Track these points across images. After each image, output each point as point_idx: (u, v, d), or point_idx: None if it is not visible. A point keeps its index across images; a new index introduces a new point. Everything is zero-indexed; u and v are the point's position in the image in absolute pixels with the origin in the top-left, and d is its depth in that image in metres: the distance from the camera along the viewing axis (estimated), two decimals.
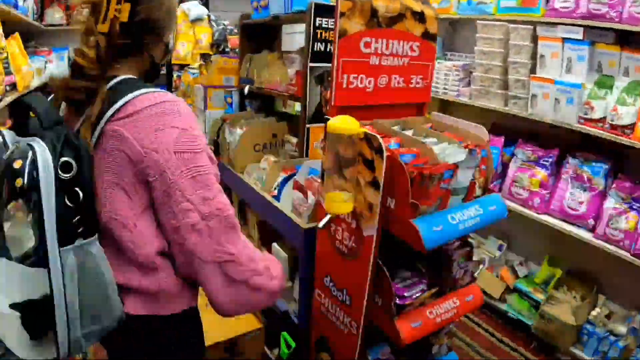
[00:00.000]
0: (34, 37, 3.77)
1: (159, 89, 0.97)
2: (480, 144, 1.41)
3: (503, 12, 2.64)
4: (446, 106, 3.19)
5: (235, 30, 3.77)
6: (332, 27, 1.87)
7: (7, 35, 2.89)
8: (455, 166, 1.27)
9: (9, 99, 2.46)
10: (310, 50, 1.83)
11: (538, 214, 2.49)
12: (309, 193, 1.59)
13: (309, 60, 1.84)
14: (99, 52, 0.95)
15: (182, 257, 0.97)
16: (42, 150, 0.82)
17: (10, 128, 0.96)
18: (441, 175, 1.24)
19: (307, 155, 1.98)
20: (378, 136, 1.20)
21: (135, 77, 1.01)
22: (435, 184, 1.24)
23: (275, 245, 1.85)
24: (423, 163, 1.26)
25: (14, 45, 2.81)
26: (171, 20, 1.06)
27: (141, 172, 0.91)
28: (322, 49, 1.87)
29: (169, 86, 3.69)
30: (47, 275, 0.82)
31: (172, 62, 3.79)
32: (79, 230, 0.86)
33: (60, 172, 0.83)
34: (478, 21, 2.75)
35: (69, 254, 0.84)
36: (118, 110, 0.91)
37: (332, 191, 1.31)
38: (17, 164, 0.81)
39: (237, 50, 3.68)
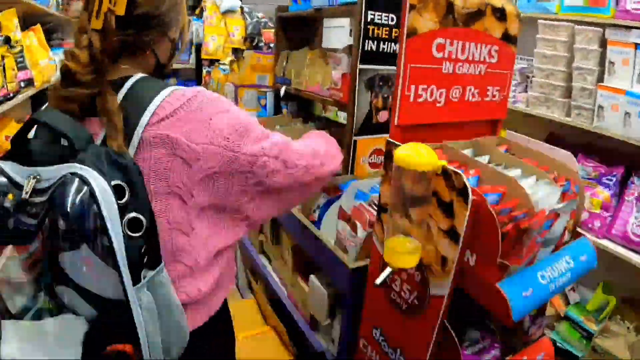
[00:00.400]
0: (59, 29, 3.60)
1: (178, 86, 0.89)
2: (572, 178, 1.11)
3: (567, 12, 2.34)
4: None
5: (270, 24, 3.50)
6: (386, 22, 1.58)
7: (28, 27, 2.71)
8: (556, 215, 0.97)
9: (22, 95, 2.27)
10: (360, 50, 1.54)
11: (598, 238, 2.19)
12: (358, 226, 1.30)
13: (358, 62, 1.55)
14: (93, 53, 0.83)
15: (260, 204, 0.98)
16: (96, 180, 0.72)
17: (3, 157, 0.81)
18: (540, 228, 0.94)
19: (352, 172, 1.69)
20: (462, 174, 0.90)
21: (146, 75, 0.91)
22: (531, 239, 0.95)
23: (313, 278, 1.58)
24: (513, 208, 0.96)
25: (32, 37, 2.62)
26: (178, 13, 0.96)
27: (199, 170, 0.85)
28: (374, 48, 1.57)
29: (198, 82, 3.45)
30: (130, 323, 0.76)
31: (202, 56, 3.56)
32: (145, 261, 0.78)
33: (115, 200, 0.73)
34: (539, 20, 2.45)
35: (143, 293, 0.78)
36: (153, 114, 0.82)
37: (394, 236, 1.02)
38: (70, 205, 0.70)
39: (271, 45, 3.41)
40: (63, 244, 0.77)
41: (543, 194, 1.03)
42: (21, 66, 2.37)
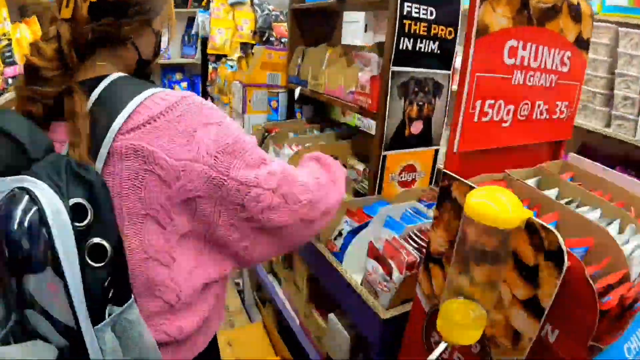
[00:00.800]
0: None
1: (162, 88, 0.76)
2: None
3: (610, 12, 2.13)
4: None
5: (282, 17, 3.25)
6: (425, 16, 1.32)
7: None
8: None
9: (8, 94, 2.04)
10: (394, 49, 1.29)
11: None
12: (394, 268, 1.06)
13: (391, 62, 1.30)
14: (60, 46, 0.72)
15: (254, 243, 0.84)
16: (47, 197, 0.61)
17: None
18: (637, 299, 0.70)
19: (379, 191, 1.45)
20: (556, 233, 0.65)
21: (124, 74, 0.79)
22: (628, 313, 0.71)
23: (333, 318, 1.34)
24: (604, 269, 0.72)
25: (25, 30, 2.39)
26: (163, 1, 0.84)
27: (179, 192, 0.72)
28: (410, 47, 1.32)
29: (203, 79, 3.21)
30: None
31: (208, 51, 3.31)
32: (110, 296, 0.67)
33: (72, 221, 0.62)
34: None
35: (106, 332, 0.66)
36: (126, 119, 0.70)
37: (452, 299, 0.77)
38: (14, 228, 0.60)
39: (283, 40, 3.15)
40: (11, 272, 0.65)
41: (633, 246, 0.79)
42: (9, 61, 2.15)
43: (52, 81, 0.73)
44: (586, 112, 2.30)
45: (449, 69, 1.44)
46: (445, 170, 0.81)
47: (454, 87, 0.97)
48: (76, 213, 0.63)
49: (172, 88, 4.46)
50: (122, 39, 0.79)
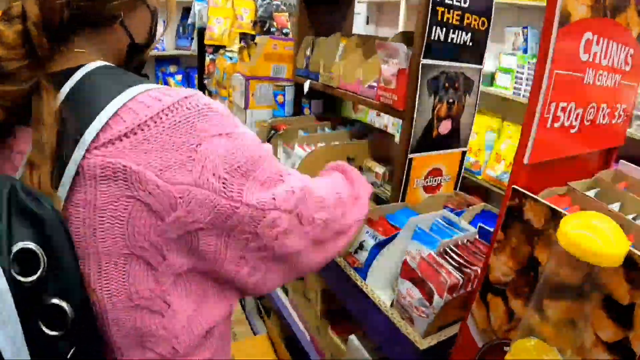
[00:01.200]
0: None
1: (157, 85, 0.59)
2: None
3: None
4: None
5: (283, 7, 3.08)
6: (458, 4, 1.18)
7: None
8: None
9: None
10: (425, 39, 1.14)
11: None
12: (435, 292, 0.92)
13: (422, 55, 1.15)
14: (27, 28, 0.56)
15: (265, 275, 0.69)
16: None
17: None
18: None
19: (403, 198, 1.31)
20: None
21: (106, 63, 0.62)
22: None
23: (354, 340, 1.21)
24: None
25: None
26: None
27: (174, 225, 0.55)
28: (442, 37, 1.18)
29: (200, 71, 3.04)
30: None
31: (205, 42, 3.14)
32: None
33: (17, 275, 0.45)
34: None
35: None
36: (103, 127, 0.52)
37: (522, 339, 0.64)
38: None
39: (284, 31, 3.00)
40: None
41: None
42: None
43: (16, 76, 0.56)
44: None
45: (480, 63, 1.30)
46: (516, 187, 0.67)
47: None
48: (22, 263, 0.47)
49: (167, 83, 4.27)
50: (108, 18, 0.63)
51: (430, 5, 1.12)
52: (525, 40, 2.58)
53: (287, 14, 3.07)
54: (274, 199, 0.63)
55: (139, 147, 0.52)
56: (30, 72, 0.56)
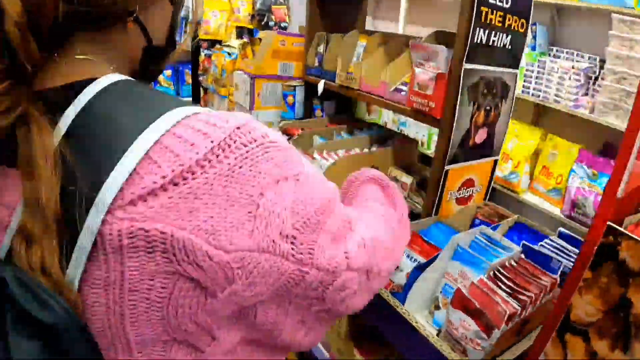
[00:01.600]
0: None
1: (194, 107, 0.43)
2: None
3: None
4: (546, 115, 2.60)
5: (281, 0, 2.96)
6: (501, 4, 1.08)
7: None
8: None
9: None
10: (469, 42, 1.05)
11: None
12: (492, 324, 0.83)
13: (464, 59, 1.06)
14: (7, 31, 0.38)
15: (316, 334, 0.58)
16: None
17: None
18: None
19: (437, 212, 1.22)
20: None
21: (125, 77, 0.46)
22: None
23: None
24: None
25: None
26: None
27: (229, 301, 0.43)
28: (484, 40, 1.08)
29: (193, 68, 2.89)
30: None
31: (200, 36, 3.00)
32: None
33: None
34: (613, 15, 2.08)
35: None
36: (129, 177, 0.37)
37: None
38: None
39: (282, 25, 2.88)
40: None
41: None
42: None
43: None
44: (618, 112, 2.16)
45: (517, 68, 1.22)
46: (612, 224, 0.58)
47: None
48: None
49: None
50: (119, 13, 0.48)
51: (476, 4, 1.02)
52: (534, 37, 2.51)
53: (285, 7, 2.95)
54: (347, 257, 0.52)
55: (182, 205, 0.38)
56: (12, 98, 0.40)
